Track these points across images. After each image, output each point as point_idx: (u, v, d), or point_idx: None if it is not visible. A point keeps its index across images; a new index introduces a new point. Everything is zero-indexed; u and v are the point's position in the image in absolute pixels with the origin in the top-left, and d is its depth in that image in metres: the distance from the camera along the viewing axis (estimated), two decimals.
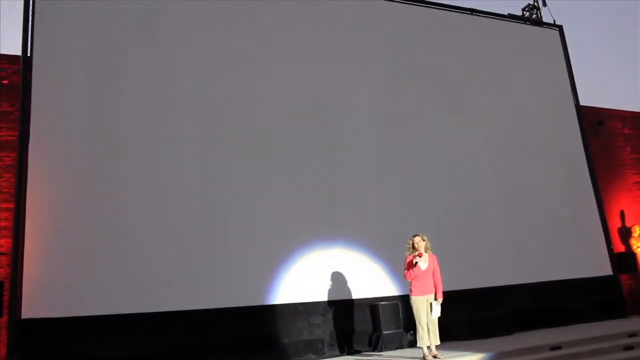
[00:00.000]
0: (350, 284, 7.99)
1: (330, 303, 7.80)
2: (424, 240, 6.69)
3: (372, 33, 9.43)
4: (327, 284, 7.86)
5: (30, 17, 7.24)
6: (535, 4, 11.70)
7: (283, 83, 8.43)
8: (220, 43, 8.22)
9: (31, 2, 7.28)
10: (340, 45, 9.05)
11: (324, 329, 7.66)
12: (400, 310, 7.81)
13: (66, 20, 7.41)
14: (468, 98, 9.93)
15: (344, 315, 7.82)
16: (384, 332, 7.66)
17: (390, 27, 9.65)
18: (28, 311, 6.35)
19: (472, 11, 10.71)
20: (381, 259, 8.25)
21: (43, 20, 7.28)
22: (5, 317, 6.66)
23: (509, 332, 8.38)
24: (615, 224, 11.47)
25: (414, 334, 6.68)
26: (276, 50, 8.56)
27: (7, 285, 6.71)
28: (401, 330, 7.79)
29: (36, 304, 6.39)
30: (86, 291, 6.62)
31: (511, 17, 11.27)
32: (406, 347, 7.68)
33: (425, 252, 6.64)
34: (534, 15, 11.68)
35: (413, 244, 6.69)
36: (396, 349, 7.62)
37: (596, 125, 11.84)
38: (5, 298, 6.66)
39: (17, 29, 7.23)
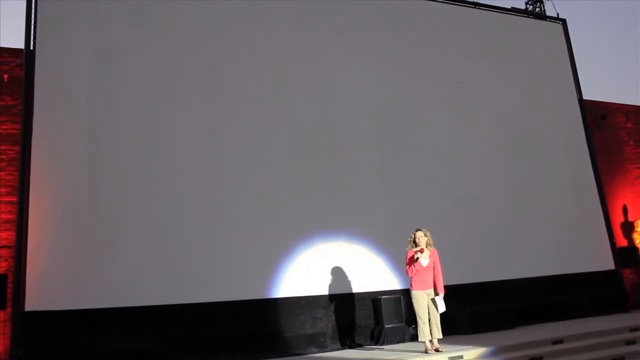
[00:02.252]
0: (352, 278, 8.00)
1: (332, 297, 7.81)
2: (426, 236, 6.64)
3: (374, 27, 9.38)
4: (329, 277, 7.88)
5: (33, 10, 7.23)
6: None
7: (288, 77, 8.42)
8: (221, 39, 8.19)
9: None
10: (342, 39, 9.02)
11: (326, 322, 7.67)
12: (403, 304, 7.82)
13: (69, 13, 7.40)
14: (471, 92, 9.90)
15: (346, 309, 7.83)
16: (386, 326, 7.69)
17: (392, 21, 9.61)
18: (31, 304, 6.37)
19: (475, 4, 10.67)
20: (384, 253, 8.25)
21: (45, 14, 7.27)
22: (8, 310, 6.69)
23: (511, 326, 8.38)
24: (617, 218, 11.45)
25: (416, 328, 6.69)
26: (277, 46, 8.53)
27: (10, 278, 6.76)
28: (403, 324, 7.81)
29: (39, 296, 6.41)
30: (89, 284, 6.64)
31: (514, 11, 11.23)
32: (408, 341, 7.68)
33: (427, 247, 6.60)
34: (537, 9, 11.64)
35: (414, 238, 6.67)
36: (398, 342, 7.65)
37: (599, 119, 11.79)
38: (9, 291, 6.70)
39: (20, 22, 7.24)
